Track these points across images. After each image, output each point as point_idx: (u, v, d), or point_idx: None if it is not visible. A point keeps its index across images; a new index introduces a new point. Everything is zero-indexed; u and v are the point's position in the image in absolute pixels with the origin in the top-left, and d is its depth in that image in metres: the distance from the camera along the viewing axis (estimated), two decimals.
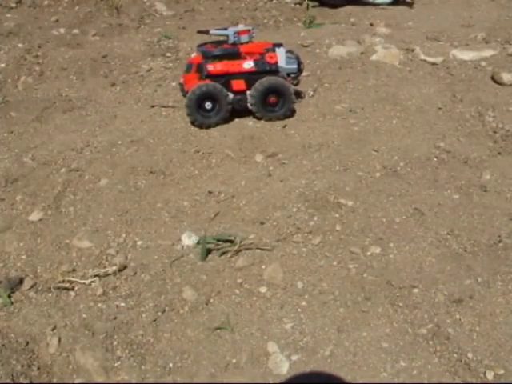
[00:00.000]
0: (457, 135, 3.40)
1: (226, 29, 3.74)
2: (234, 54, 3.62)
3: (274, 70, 3.63)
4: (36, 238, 2.65)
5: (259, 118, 3.64)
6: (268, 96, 3.58)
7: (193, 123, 3.60)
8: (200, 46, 3.74)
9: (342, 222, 2.63)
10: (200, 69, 3.60)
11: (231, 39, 3.63)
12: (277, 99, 3.61)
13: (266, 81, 3.57)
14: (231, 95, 3.59)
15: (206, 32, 3.76)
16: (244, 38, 3.64)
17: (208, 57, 3.59)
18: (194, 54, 3.72)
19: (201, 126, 3.58)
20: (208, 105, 3.53)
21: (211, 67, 3.56)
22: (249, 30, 3.69)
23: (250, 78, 3.59)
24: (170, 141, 3.45)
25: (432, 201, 2.77)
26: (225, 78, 3.57)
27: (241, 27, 3.85)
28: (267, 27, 5.69)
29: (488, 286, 2.23)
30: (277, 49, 3.67)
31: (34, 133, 3.74)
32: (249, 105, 3.61)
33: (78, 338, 2.08)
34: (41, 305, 2.24)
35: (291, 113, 3.69)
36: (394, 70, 4.31)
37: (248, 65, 3.59)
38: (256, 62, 3.62)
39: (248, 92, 3.59)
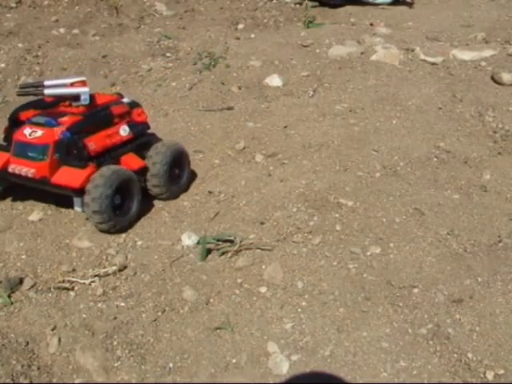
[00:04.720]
0: (457, 135, 3.40)
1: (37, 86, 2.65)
2: (109, 119, 2.72)
3: (145, 131, 2.90)
4: (36, 238, 2.64)
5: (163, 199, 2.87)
6: (173, 169, 2.83)
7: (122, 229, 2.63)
8: (15, 115, 2.74)
9: (342, 221, 2.63)
10: (68, 148, 2.54)
11: (86, 99, 2.64)
12: (179, 169, 2.89)
13: (168, 151, 2.77)
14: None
15: (39, 92, 2.63)
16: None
17: (77, 130, 2.57)
18: (29, 129, 2.56)
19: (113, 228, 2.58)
20: (117, 198, 2.55)
21: (93, 144, 2.58)
22: (84, 82, 2.71)
23: (135, 148, 2.78)
24: None
25: (432, 201, 2.77)
26: (110, 157, 2.66)
27: (72, 79, 2.72)
28: (267, 27, 5.69)
29: (488, 286, 2.23)
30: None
31: None
32: (150, 186, 2.78)
33: (77, 337, 2.08)
34: (41, 305, 2.24)
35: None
36: (394, 70, 4.31)
37: (124, 131, 2.74)
38: (130, 126, 2.78)
39: (150, 173, 2.74)
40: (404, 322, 2.09)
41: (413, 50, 4.57)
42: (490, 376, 1.88)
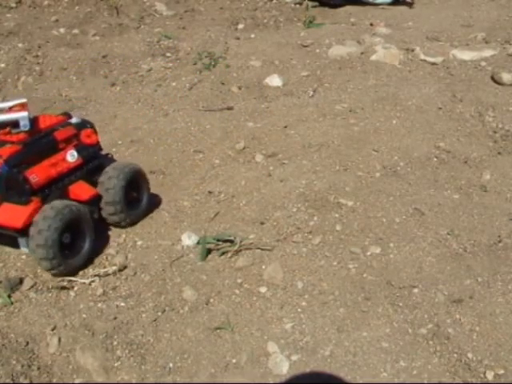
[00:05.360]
0: (457, 135, 3.40)
1: None
2: (53, 145, 2.43)
3: (96, 154, 2.64)
4: None
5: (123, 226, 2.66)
6: (129, 193, 2.62)
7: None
8: None
9: (342, 221, 2.63)
10: (7, 184, 2.28)
11: (26, 125, 2.33)
12: (137, 192, 2.68)
13: (121, 175, 2.54)
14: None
15: None
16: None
17: (17, 162, 2.28)
18: None
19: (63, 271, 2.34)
20: (67, 237, 2.31)
21: (35, 177, 2.30)
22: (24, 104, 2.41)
23: (86, 174, 2.54)
24: (170, 141, 3.45)
25: (432, 201, 2.77)
26: (57, 187, 2.40)
27: (11, 102, 2.43)
28: (267, 27, 5.69)
29: (488, 286, 2.23)
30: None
31: None
32: (106, 215, 2.57)
33: (77, 337, 2.08)
34: (41, 305, 2.24)
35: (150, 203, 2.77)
36: (394, 70, 4.31)
37: (72, 157, 2.47)
38: (78, 150, 2.51)
39: (104, 200, 2.52)
40: (404, 322, 2.09)
41: (413, 50, 4.57)
42: (489, 376, 1.88)
